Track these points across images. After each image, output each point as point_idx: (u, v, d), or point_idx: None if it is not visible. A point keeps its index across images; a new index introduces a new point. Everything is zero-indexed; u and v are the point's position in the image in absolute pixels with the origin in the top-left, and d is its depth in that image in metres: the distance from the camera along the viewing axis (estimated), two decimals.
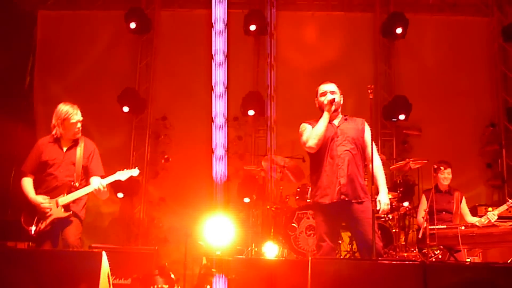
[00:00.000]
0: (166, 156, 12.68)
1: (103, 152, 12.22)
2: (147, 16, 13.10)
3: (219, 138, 11.82)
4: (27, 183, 6.94)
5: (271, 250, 9.53)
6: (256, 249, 9.94)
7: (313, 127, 6.42)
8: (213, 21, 12.39)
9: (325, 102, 6.40)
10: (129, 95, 12.48)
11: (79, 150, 7.01)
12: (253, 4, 13.08)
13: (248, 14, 12.74)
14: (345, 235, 9.01)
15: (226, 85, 12.04)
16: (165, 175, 12.71)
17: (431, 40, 12.96)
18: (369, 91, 6.31)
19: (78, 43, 13.10)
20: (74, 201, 6.86)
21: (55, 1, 13.41)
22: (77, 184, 6.88)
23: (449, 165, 9.42)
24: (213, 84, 11.95)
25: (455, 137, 12.38)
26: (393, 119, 12.52)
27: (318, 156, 6.36)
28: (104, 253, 5.49)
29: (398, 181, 10.66)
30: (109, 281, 5.61)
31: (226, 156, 12.15)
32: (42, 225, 6.72)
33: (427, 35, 13.01)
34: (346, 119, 6.53)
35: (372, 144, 6.24)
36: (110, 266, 5.66)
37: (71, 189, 6.83)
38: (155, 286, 7.57)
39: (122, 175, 7.24)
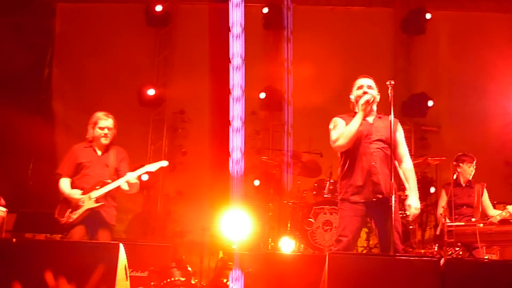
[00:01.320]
0: (183, 150, 12.70)
1: (122, 145, 12.36)
2: (166, 9, 13.10)
3: (236, 137, 11.86)
4: (64, 183, 7.30)
5: (288, 245, 9.52)
6: (272, 243, 9.93)
7: (346, 123, 6.27)
8: (230, 24, 12.42)
9: (361, 101, 6.22)
10: (147, 89, 12.48)
11: (112, 154, 7.43)
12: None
13: (267, 9, 12.69)
14: (362, 231, 8.97)
15: (243, 87, 12.07)
16: (182, 168, 12.72)
17: (451, 36, 12.88)
18: (389, 86, 6.22)
19: (97, 36, 13.11)
20: (107, 197, 7.22)
21: None
22: (109, 181, 7.19)
23: (473, 158, 9.32)
24: (230, 88, 11.98)
25: (474, 134, 12.29)
26: (411, 116, 12.47)
27: (351, 153, 6.23)
28: (121, 245, 5.50)
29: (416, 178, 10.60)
30: (126, 273, 5.62)
31: (244, 150, 12.17)
32: (74, 215, 7.03)
33: (447, 30, 12.92)
34: (380, 117, 6.40)
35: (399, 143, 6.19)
36: (127, 258, 5.67)
37: (103, 184, 7.15)
38: (172, 279, 7.56)
39: (152, 166, 7.46)
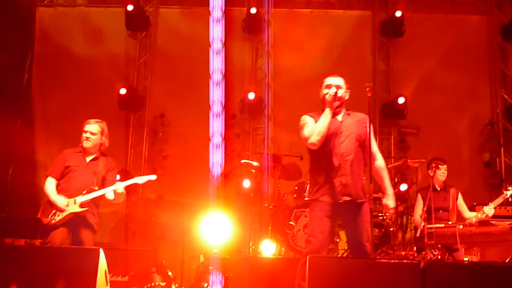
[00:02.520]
0: (164, 154, 12.69)
1: None
2: (146, 13, 13.09)
3: (216, 141, 11.88)
4: (50, 183, 7.30)
5: (269, 248, 9.51)
6: (253, 247, 9.93)
7: (315, 121, 6.20)
8: (210, 40, 12.46)
9: (328, 97, 6.15)
10: (127, 92, 12.46)
11: (101, 163, 7.46)
12: (251, 2, 13.05)
13: (246, 12, 12.71)
14: (343, 234, 8.97)
15: (223, 91, 12.10)
16: (162, 172, 12.67)
17: (430, 39, 12.96)
18: (367, 89, 6.19)
19: (76, 40, 13.08)
20: (91, 204, 7.25)
21: None
22: (96, 188, 7.23)
23: (445, 161, 9.36)
24: (210, 103, 12.02)
25: (454, 136, 12.39)
26: (391, 118, 12.55)
27: (320, 152, 6.11)
28: (101, 250, 5.48)
29: (396, 180, 10.65)
30: (106, 278, 5.61)
31: (224, 154, 12.18)
32: (57, 217, 7.02)
33: (426, 33, 13.00)
34: (349, 114, 6.29)
35: (371, 141, 6.13)
36: (107, 263, 5.65)
37: (90, 191, 7.19)
38: (152, 284, 7.55)
39: (140, 179, 7.69)
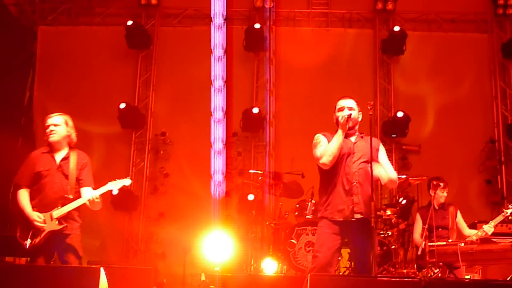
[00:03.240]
0: (165, 172, 12.70)
1: (103, 167, 12.36)
2: (147, 32, 13.15)
3: (217, 159, 11.89)
4: (23, 197, 6.82)
5: (270, 266, 9.50)
6: (255, 265, 9.91)
7: (328, 141, 6.27)
8: (212, 46, 12.51)
9: (341, 119, 6.21)
10: (128, 111, 12.49)
11: (72, 162, 6.93)
12: (252, 20, 13.11)
13: (247, 30, 12.77)
14: (344, 252, 8.92)
15: (224, 109, 12.14)
16: (164, 190, 12.72)
17: (431, 56, 13.01)
18: (368, 107, 6.24)
19: (78, 59, 13.12)
20: (69, 218, 6.81)
21: (55, 17, 13.47)
22: (71, 196, 6.79)
23: (446, 182, 9.35)
24: (211, 110, 12.04)
25: (455, 154, 12.38)
26: (393, 135, 12.56)
27: (332, 171, 6.19)
28: (102, 269, 5.47)
29: (397, 198, 10.65)
30: None
31: (226, 172, 12.20)
32: (37, 239, 6.64)
33: (427, 51, 13.04)
34: (362, 137, 6.36)
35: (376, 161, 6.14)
36: (108, 282, 5.63)
37: (65, 201, 6.75)
38: None
39: (115, 185, 7.14)
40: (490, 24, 13.23)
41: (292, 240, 9.30)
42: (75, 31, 13.39)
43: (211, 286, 8.44)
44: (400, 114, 12.19)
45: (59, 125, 6.93)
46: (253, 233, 10.58)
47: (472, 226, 9.75)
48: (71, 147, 7.05)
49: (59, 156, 6.94)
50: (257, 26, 12.66)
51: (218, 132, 12.36)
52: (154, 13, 13.44)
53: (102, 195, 6.99)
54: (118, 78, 13.15)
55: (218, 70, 12.57)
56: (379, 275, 5.80)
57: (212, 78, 12.55)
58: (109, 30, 13.25)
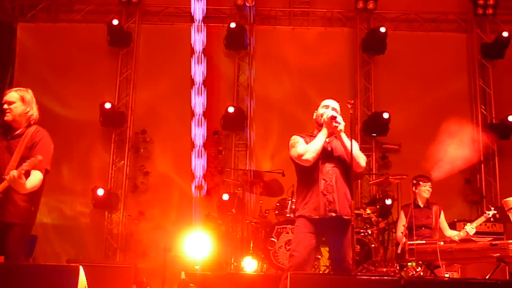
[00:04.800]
0: (145, 170, 12.66)
1: (83, 165, 12.29)
2: (127, 29, 13.09)
3: (198, 157, 11.88)
4: None
5: (250, 265, 9.49)
6: (235, 263, 9.90)
7: (305, 141, 6.27)
8: (192, 44, 12.47)
9: (325, 117, 6.19)
10: (108, 109, 12.42)
11: (22, 140, 6.19)
12: (233, 18, 13.10)
13: (228, 29, 12.75)
14: (324, 250, 8.97)
15: (205, 107, 12.12)
16: (144, 189, 12.67)
17: (411, 56, 13.05)
18: (349, 106, 6.26)
19: (58, 56, 13.04)
20: (9, 202, 6.00)
21: (35, 14, 13.38)
22: (6, 177, 5.87)
23: (429, 179, 9.43)
24: (192, 108, 12.01)
25: (435, 152, 12.42)
26: (373, 134, 12.60)
27: (308, 170, 6.20)
28: (81, 268, 5.42)
29: (377, 196, 10.69)
30: None
31: (206, 171, 12.19)
32: None
33: (407, 50, 13.09)
34: (335, 136, 6.36)
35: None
36: (87, 280, 5.59)
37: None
38: None
39: (27, 165, 5.86)
40: (470, 24, 13.31)
41: (272, 239, 9.31)
42: (55, 28, 13.29)
43: (191, 285, 8.43)
44: (385, 115, 12.22)
45: (14, 103, 6.31)
46: (233, 231, 10.57)
47: (451, 224, 9.82)
48: (31, 124, 6.39)
49: (12, 133, 6.29)
50: (232, 25, 12.61)
51: (198, 131, 12.35)
52: (134, 11, 13.36)
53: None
54: (98, 76, 13.06)
55: (198, 68, 12.56)
56: (358, 274, 5.81)
57: (192, 76, 12.53)
58: (89, 27, 13.16)
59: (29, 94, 6.49)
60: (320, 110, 6.40)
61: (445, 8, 13.31)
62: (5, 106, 6.26)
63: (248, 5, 12.92)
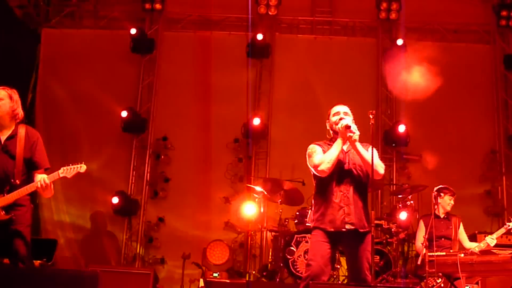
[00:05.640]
0: (165, 177, 12.69)
1: (103, 170, 12.35)
2: (150, 36, 13.16)
3: (218, 165, 11.87)
4: None
5: (269, 274, 9.49)
6: (254, 272, 9.90)
7: (323, 150, 6.25)
8: (215, 52, 12.50)
9: (340, 127, 6.15)
10: (130, 115, 12.48)
11: (19, 140, 6.15)
12: (256, 27, 13.13)
13: (251, 37, 12.79)
14: (344, 260, 8.95)
15: (226, 115, 12.13)
16: (164, 195, 12.70)
17: (433, 66, 12.98)
18: (370, 116, 6.24)
19: (81, 62, 13.13)
20: (16, 205, 6.03)
21: (59, 20, 13.48)
22: (17, 182, 6.04)
23: (454, 193, 9.37)
24: (214, 115, 12.03)
25: (455, 163, 12.36)
26: (393, 144, 12.56)
27: (325, 181, 6.18)
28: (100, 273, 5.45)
29: (397, 206, 10.64)
30: None
31: (226, 178, 12.21)
32: None
33: (429, 61, 13.02)
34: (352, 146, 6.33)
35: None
36: (107, 286, 5.63)
37: (11, 188, 6.01)
38: None
39: (67, 171, 6.11)
40: (492, 35, 13.25)
41: (292, 248, 9.30)
42: (79, 34, 13.39)
43: None
44: (401, 128, 12.21)
45: (2, 100, 6.20)
46: (252, 239, 10.57)
47: (471, 237, 9.76)
48: (17, 123, 6.28)
49: (4, 135, 6.20)
50: (259, 37, 12.66)
51: (219, 138, 12.37)
52: (157, 18, 13.43)
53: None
54: (121, 82, 13.15)
55: (221, 76, 12.58)
56: (378, 284, 5.79)
57: (214, 84, 12.57)
58: (113, 34, 13.24)
59: (16, 94, 6.37)
60: (332, 118, 6.38)
61: (467, 19, 13.26)
62: None
63: (270, 13, 12.94)
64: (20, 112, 6.35)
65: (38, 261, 9.71)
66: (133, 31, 12.70)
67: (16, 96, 6.35)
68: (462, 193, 11.91)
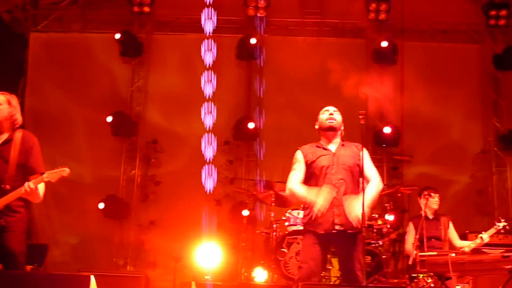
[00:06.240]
0: (156, 180, 12.67)
1: (93, 174, 12.31)
2: (139, 39, 13.13)
3: (209, 167, 11.85)
4: None
5: (261, 275, 9.48)
6: (246, 274, 9.88)
7: (305, 156, 6.30)
8: (203, 55, 12.48)
9: (315, 209, 6.01)
10: (120, 118, 12.46)
11: (15, 145, 6.09)
12: (245, 29, 13.13)
13: (240, 40, 12.79)
14: (335, 261, 8.95)
15: (215, 118, 12.10)
16: (155, 198, 12.68)
17: (423, 66, 13.02)
18: (360, 117, 6.25)
19: (70, 66, 13.10)
20: (7, 211, 5.96)
21: (48, 24, 13.45)
22: (8, 187, 5.94)
23: (437, 190, 9.40)
24: (203, 118, 12.00)
25: (446, 164, 12.39)
26: (383, 145, 12.57)
27: (313, 183, 6.18)
28: (92, 277, 5.44)
29: (388, 207, 10.65)
30: None
31: (217, 180, 12.19)
32: None
33: (418, 61, 13.06)
34: (343, 145, 6.36)
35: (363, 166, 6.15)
36: None
37: (1, 193, 5.93)
38: None
39: (51, 175, 6.02)
40: (482, 35, 13.28)
41: (283, 249, 9.27)
42: (67, 38, 13.36)
43: None
44: (387, 129, 12.27)
45: (1, 105, 6.20)
46: (243, 241, 10.56)
47: (463, 236, 9.78)
48: (15, 129, 6.23)
49: (0, 139, 6.16)
50: (253, 41, 12.71)
51: (209, 140, 12.35)
52: (146, 21, 13.42)
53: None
54: (110, 86, 13.12)
55: (210, 78, 12.56)
56: (369, 285, 5.79)
57: (203, 86, 12.54)
58: (102, 37, 13.20)
59: (15, 99, 6.37)
60: (322, 115, 6.44)
61: (457, 19, 13.28)
62: None
63: (259, 15, 12.94)
64: (19, 118, 6.30)
65: (30, 266, 9.68)
66: (117, 36, 12.68)
67: (15, 101, 6.34)
68: (453, 193, 11.99)
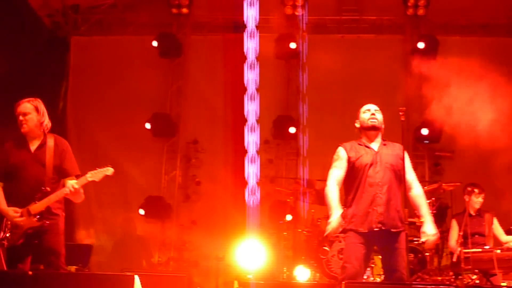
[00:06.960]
0: (197, 180, 12.73)
1: (134, 175, 12.42)
2: (178, 40, 13.21)
3: (250, 166, 11.85)
4: None
5: (303, 274, 9.47)
6: (287, 272, 9.88)
7: (348, 152, 6.29)
8: (245, 53, 12.48)
9: (328, 231, 6.18)
10: (160, 119, 12.57)
11: (49, 149, 6.34)
12: (283, 27, 13.12)
13: (279, 38, 12.79)
14: (378, 259, 8.89)
15: (257, 115, 12.10)
16: (196, 198, 12.74)
17: (462, 61, 12.86)
18: (400, 113, 6.22)
19: (110, 68, 13.23)
20: (48, 212, 6.18)
21: (88, 27, 13.62)
22: (48, 189, 6.19)
23: (483, 189, 9.28)
24: (245, 117, 12.00)
25: (490, 159, 12.22)
26: (425, 141, 12.45)
27: (355, 181, 6.18)
28: (136, 277, 5.48)
29: (430, 204, 10.55)
30: None
31: (258, 179, 12.19)
32: (16, 238, 6.07)
33: (459, 56, 12.91)
34: (385, 144, 6.34)
35: (405, 170, 6.12)
36: None
37: (42, 195, 6.15)
38: None
39: (95, 175, 6.32)
40: None
41: (325, 248, 9.26)
42: (108, 41, 13.52)
43: None
44: (424, 131, 12.27)
45: (29, 114, 6.36)
46: (285, 240, 10.56)
47: (507, 232, 9.63)
48: (46, 133, 6.47)
49: (34, 145, 6.39)
50: (292, 45, 12.78)
51: (251, 139, 12.36)
52: (185, 22, 13.50)
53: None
54: (150, 87, 13.20)
55: (250, 77, 12.56)
56: (413, 282, 5.75)
57: (245, 85, 12.55)
58: (141, 39, 13.29)
59: (41, 104, 6.53)
60: (363, 115, 6.41)
61: (497, 13, 13.10)
62: (21, 117, 6.36)
63: (297, 14, 12.92)
64: (48, 122, 6.52)
65: (74, 267, 9.81)
66: (154, 43, 12.80)
67: (41, 106, 6.51)
68: (497, 189, 11.81)
